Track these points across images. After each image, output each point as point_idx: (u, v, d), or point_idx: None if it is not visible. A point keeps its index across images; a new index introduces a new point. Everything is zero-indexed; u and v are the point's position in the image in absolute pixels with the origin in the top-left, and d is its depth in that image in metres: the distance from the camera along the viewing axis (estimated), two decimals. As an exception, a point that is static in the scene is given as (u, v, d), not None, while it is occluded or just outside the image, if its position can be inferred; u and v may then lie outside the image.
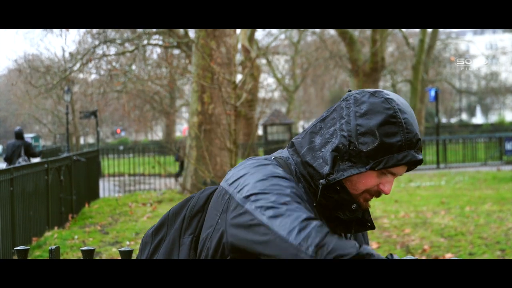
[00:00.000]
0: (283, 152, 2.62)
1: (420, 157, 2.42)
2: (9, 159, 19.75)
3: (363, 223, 2.58)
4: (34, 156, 20.50)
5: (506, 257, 10.46)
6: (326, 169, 2.41)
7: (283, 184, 2.33)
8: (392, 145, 2.36)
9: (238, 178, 2.42)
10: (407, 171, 2.51)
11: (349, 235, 2.65)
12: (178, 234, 2.58)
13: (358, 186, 2.45)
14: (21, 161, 19.16)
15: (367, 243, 2.81)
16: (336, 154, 2.41)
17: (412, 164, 2.45)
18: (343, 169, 2.40)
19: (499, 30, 75.69)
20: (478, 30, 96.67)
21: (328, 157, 2.42)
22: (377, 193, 2.49)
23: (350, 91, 2.53)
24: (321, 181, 2.42)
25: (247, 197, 2.31)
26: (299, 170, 2.52)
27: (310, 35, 51.45)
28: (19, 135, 20.34)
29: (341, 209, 2.48)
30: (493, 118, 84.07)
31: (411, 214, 15.01)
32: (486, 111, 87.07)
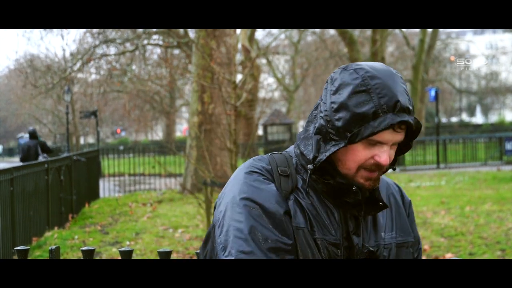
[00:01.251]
0: (291, 147, 2.63)
1: (402, 118, 2.30)
2: (25, 159, 19.86)
3: (374, 203, 2.51)
4: (50, 152, 20.72)
5: (506, 257, 10.46)
6: (312, 153, 2.41)
7: (238, 217, 2.35)
8: (366, 114, 2.30)
9: (224, 189, 2.51)
10: (410, 138, 2.45)
11: (382, 219, 2.60)
12: (212, 243, 2.57)
13: (349, 164, 2.40)
14: (42, 159, 19.34)
15: (409, 225, 2.69)
16: (319, 136, 2.40)
17: (397, 128, 2.35)
18: (326, 150, 2.37)
19: (499, 30, 75.79)
20: (478, 30, 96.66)
21: (313, 140, 2.41)
22: (375, 165, 2.40)
23: None
24: (308, 166, 2.42)
25: (217, 219, 2.43)
26: (299, 162, 2.51)
27: (310, 35, 51.44)
28: (33, 135, 20.56)
29: (346, 194, 2.43)
30: (493, 118, 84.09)
31: (411, 214, 14.99)
32: (486, 111, 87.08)
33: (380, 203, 2.51)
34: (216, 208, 2.47)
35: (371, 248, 2.50)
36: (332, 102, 2.37)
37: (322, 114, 2.40)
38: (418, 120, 2.38)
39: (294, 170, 2.50)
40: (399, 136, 2.38)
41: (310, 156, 2.42)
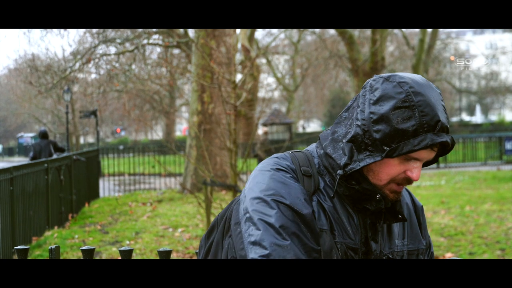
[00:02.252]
0: (311, 146, 2.61)
1: (442, 139, 2.32)
2: (36, 159, 19.87)
3: (394, 214, 2.52)
4: (63, 151, 20.84)
5: (506, 257, 10.46)
6: (344, 159, 2.39)
7: (269, 211, 2.31)
8: (407, 130, 2.30)
9: (247, 185, 2.47)
10: (440, 155, 2.45)
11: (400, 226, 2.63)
12: (221, 236, 2.55)
13: (381, 176, 2.41)
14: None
15: (422, 236, 2.72)
16: (353, 144, 2.38)
17: (435, 147, 2.38)
18: (360, 159, 2.36)
19: (499, 30, 75.88)
20: (478, 30, 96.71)
21: (346, 147, 2.39)
22: (405, 180, 2.42)
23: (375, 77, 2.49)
24: (338, 171, 2.40)
25: (244, 214, 2.37)
26: (321, 163, 2.50)
27: (310, 35, 51.42)
28: (44, 135, 20.64)
29: (368, 200, 2.44)
30: (493, 117, 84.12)
31: (411, 213, 14.99)
32: (486, 110, 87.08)
33: (399, 216, 2.53)
34: (239, 204, 2.44)
35: (390, 256, 2.53)
36: (372, 113, 2.35)
37: (359, 123, 2.38)
38: (453, 138, 2.39)
39: (316, 170, 2.49)
40: (434, 154, 2.41)
41: (341, 161, 2.41)
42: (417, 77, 2.41)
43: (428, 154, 2.39)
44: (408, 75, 2.40)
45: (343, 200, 2.46)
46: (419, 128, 2.30)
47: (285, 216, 2.30)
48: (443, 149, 2.44)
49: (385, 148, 2.33)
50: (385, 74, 2.43)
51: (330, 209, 2.43)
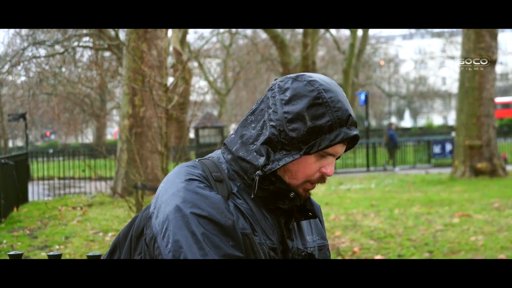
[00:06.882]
0: (216, 153, 2.61)
1: (354, 132, 2.40)
2: None
3: (304, 211, 2.56)
4: None
5: (434, 259, 10.62)
6: (261, 160, 2.40)
7: (188, 225, 2.28)
8: (322, 126, 2.35)
9: (156, 200, 2.43)
10: (347, 149, 2.50)
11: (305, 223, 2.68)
12: (128, 255, 2.51)
13: (298, 175, 2.44)
14: None
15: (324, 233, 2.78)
16: (269, 145, 2.40)
17: (348, 141, 2.45)
18: (278, 159, 2.39)
19: (427, 35, 76.93)
20: (407, 34, 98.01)
21: (262, 149, 2.41)
22: (320, 178, 2.47)
23: (276, 79, 2.53)
24: (257, 172, 2.40)
25: (161, 229, 2.32)
26: (231, 168, 2.50)
27: (242, 39, 51.55)
28: None
29: (281, 199, 2.46)
30: (422, 121, 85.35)
31: (341, 216, 15.13)
32: (414, 115, 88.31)
33: (309, 213, 2.58)
34: (151, 219, 2.39)
35: (309, 251, 2.57)
36: (286, 112, 2.39)
37: (273, 123, 2.40)
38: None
39: (226, 175, 2.48)
40: (344, 148, 2.47)
41: (258, 162, 2.41)
42: (322, 76, 2.48)
43: (342, 149, 2.45)
44: (315, 74, 2.47)
45: (256, 202, 2.47)
46: (333, 123, 2.36)
47: (205, 229, 2.28)
48: (352, 143, 2.50)
49: (302, 146, 2.37)
50: (292, 75, 2.48)
51: (247, 211, 2.44)
